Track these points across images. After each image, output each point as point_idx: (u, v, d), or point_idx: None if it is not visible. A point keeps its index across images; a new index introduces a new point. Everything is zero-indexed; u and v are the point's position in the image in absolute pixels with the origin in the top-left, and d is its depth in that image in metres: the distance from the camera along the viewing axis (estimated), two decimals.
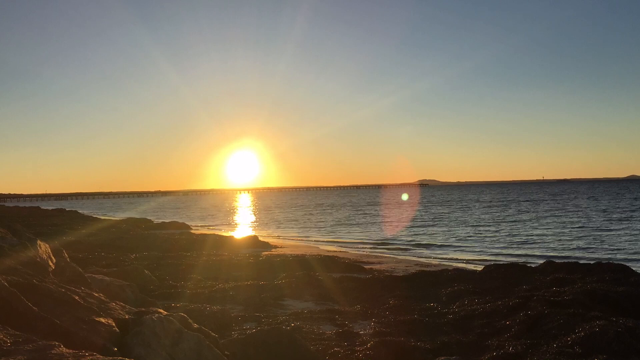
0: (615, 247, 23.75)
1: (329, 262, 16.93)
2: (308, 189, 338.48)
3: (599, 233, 29.54)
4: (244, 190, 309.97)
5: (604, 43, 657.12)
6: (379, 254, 22.90)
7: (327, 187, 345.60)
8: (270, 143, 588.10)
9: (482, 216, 47.56)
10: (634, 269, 13.70)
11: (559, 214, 45.77)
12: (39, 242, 7.35)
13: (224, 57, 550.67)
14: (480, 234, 32.09)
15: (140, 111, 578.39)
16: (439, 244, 27.38)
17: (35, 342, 3.92)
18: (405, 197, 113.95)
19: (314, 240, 30.98)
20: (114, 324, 5.15)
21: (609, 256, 20.63)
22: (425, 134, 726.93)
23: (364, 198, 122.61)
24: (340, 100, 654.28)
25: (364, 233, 34.93)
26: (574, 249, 23.94)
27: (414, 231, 34.62)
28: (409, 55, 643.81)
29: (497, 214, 49.17)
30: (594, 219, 38.71)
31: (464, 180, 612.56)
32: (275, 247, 24.48)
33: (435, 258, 21.77)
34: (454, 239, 29.64)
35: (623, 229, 31.76)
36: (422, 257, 21.88)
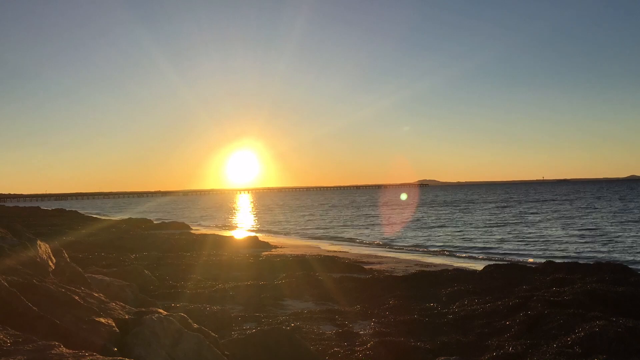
0: (619, 247, 23.75)
1: (329, 262, 16.93)
2: (308, 189, 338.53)
3: (610, 235, 29.46)
4: (244, 190, 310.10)
5: (604, 43, 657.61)
6: (379, 254, 22.89)
7: (327, 187, 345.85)
8: (270, 143, 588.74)
9: (484, 217, 47.54)
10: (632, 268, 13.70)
11: (569, 215, 45.68)
12: (39, 242, 7.34)
13: (224, 57, 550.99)
14: (481, 234, 32.08)
15: (140, 111, 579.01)
16: (439, 244, 27.38)
17: (35, 342, 3.92)
18: (404, 197, 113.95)
19: (314, 240, 30.99)
20: (114, 324, 5.14)
21: (609, 256, 20.64)
22: (425, 134, 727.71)
23: (363, 198, 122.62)
24: (340, 100, 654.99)
25: (363, 233, 34.93)
26: (574, 249, 23.94)
27: (414, 231, 34.62)
28: (409, 55, 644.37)
29: (501, 215, 49.11)
30: (605, 221, 38.31)
31: (464, 180, 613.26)
32: (275, 247, 24.48)
33: (435, 258, 21.77)
34: (454, 239, 29.64)
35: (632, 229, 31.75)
36: (422, 257, 21.88)
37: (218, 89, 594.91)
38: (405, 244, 27.39)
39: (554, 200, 76.21)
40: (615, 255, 21.33)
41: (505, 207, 62.41)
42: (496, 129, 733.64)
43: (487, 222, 40.64)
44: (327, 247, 26.59)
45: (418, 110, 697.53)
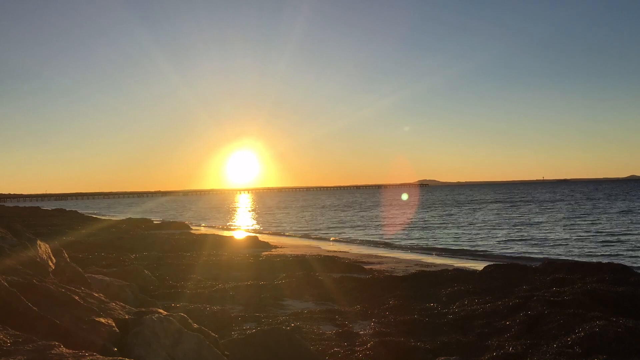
0: (619, 247, 23.75)
1: (329, 262, 16.93)
2: (308, 189, 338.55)
3: (610, 234, 29.42)
4: (244, 190, 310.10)
5: (604, 43, 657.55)
6: (379, 254, 22.89)
7: (327, 187, 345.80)
8: (270, 143, 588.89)
9: (485, 217, 47.54)
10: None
11: (572, 216, 45.64)
12: (39, 242, 7.34)
13: (224, 57, 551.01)
14: (482, 234, 32.07)
15: (140, 111, 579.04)
16: (440, 244, 27.38)
17: (35, 342, 3.92)
18: (405, 197, 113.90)
19: (314, 240, 30.99)
20: (114, 324, 5.15)
21: (609, 256, 20.64)
22: (425, 134, 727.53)
23: (364, 198, 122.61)
24: (340, 100, 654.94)
25: (364, 233, 34.93)
26: (575, 249, 23.94)
27: (414, 231, 34.62)
28: (409, 55, 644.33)
29: (504, 215, 49.11)
30: (608, 221, 38.08)
31: (464, 180, 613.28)
32: (275, 247, 24.49)
33: (436, 258, 21.77)
34: (454, 239, 29.64)
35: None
36: (422, 257, 21.88)
37: (218, 89, 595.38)
38: (406, 244, 27.39)
39: (561, 200, 75.23)
40: (615, 255, 21.31)
41: (508, 207, 62.29)
42: (496, 129, 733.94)
43: (488, 222, 40.63)
44: (327, 247, 26.60)
45: (418, 110, 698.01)
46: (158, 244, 22.29)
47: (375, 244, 27.93)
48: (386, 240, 29.53)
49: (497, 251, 23.88)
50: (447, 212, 56.44)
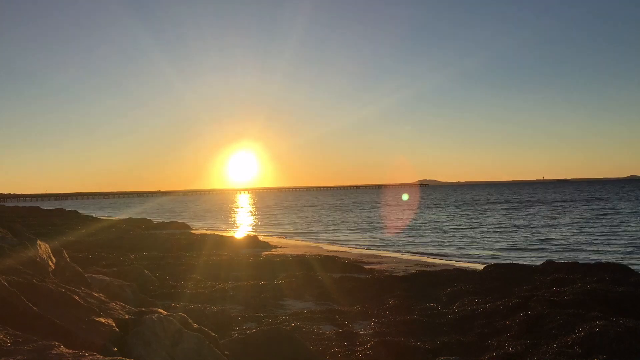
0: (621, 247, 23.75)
1: (329, 262, 16.93)
2: (308, 189, 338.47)
3: (612, 235, 29.33)
4: (244, 190, 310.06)
5: (605, 43, 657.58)
6: (379, 254, 22.89)
7: (327, 187, 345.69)
8: (270, 143, 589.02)
9: (486, 217, 47.51)
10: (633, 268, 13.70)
11: (573, 216, 45.53)
12: (39, 242, 7.34)
13: (223, 57, 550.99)
14: (482, 235, 32.07)
15: (140, 111, 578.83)
16: (440, 244, 27.38)
17: (35, 342, 3.92)
18: (405, 197, 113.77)
19: (314, 240, 30.99)
20: (114, 324, 5.14)
21: (609, 256, 20.62)
22: (426, 134, 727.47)
23: (364, 198, 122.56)
24: (340, 100, 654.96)
25: (364, 233, 34.94)
26: (575, 249, 23.93)
27: (414, 232, 34.62)
28: (409, 55, 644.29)
29: (505, 216, 49.07)
30: (610, 222, 37.61)
31: (464, 180, 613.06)
32: (275, 247, 24.49)
33: (436, 258, 21.77)
34: (454, 239, 29.63)
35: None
36: (422, 257, 21.88)
37: (218, 89, 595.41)
38: (406, 244, 27.38)
39: (571, 200, 74.13)
40: (615, 255, 21.30)
41: (519, 207, 62.11)
42: (496, 129, 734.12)
43: (489, 222, 40.64)
44: (327, 247, 26.60)
45: (418, 110, 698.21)
46: (158, 244, 22.29)
47: (375, 244, 27.92)
48: (386, 241, 29.52)
49: (497, 251, 23.86)
50: (447, 212, 56.38)
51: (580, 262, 15.20)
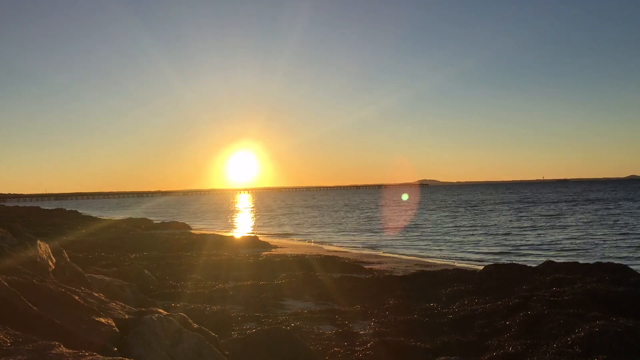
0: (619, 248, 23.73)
1: (329, 262, 16.93)
2: (308, 189, 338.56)
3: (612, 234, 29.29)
4: (244, 190, 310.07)
5: (604, 43, 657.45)
6: (379, 254, 22.90)
7: (327, 187, 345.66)
8: (270, 143, 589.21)
9: (488, 219, 47.50)
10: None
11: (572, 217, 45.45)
12: (39, 242, 7.34)
13: (223, 57, 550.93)
14: (482, 235, 32.06)
15: (140, 111, 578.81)
16: (440, 244, 27.37)
17: (35, 342, 3.92)
18: (405, 197, 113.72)
19: (314, 240, 30.99)
20: (114, 324, 5.14)
21: (609, 256, 20.61)
22: (426, 134, 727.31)
23: (364, 198, 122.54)
24: (340, 99, 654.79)
25: (364, 233, 34.93)
26: (574, 249, 23.92)
27: (414, 232, 34.62)
28: (409, 55, 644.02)
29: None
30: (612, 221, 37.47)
31: (464, 180, 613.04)
32: (275, 247, 24.48)
33: (436, 258, 21.77)
34: (454, 239, 29.64)
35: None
36: (422, 257, 21.88)
37: (218, 89, 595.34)
38: (406, 244, 27.38)
39: (567, 201, 72.62)
40: (615, 255, 21.29)
41: (525, 207, 62.08)
42: (496, 129, 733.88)
43: (489, 222, 40.64)
44: (327, 247, 26.60)
45: (418, 110, 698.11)
46: (158, 244, 22.29)
47: (375, 245, 27.91)
48: (386, 241, 29.52)
49: (497, 251, 23.85)
50: (447, 213, 56.37)
51: (580, 262, 15.21)
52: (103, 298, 6.18)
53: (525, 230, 32.77)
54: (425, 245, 27.00)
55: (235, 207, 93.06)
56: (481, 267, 15.21)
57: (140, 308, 6.58)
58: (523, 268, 14.36)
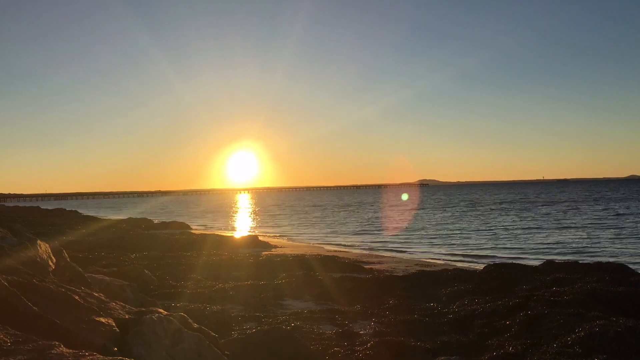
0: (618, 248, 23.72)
1: (329, 262, 16.93)
2: (308, 188, 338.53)
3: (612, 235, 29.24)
4: (244, 190, 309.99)
5: (604, 43, 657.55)
6: (379, 254, 22.90)
7: (327, 187, 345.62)
8: (270, 143, 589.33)
9: (488, 219, 47.49)
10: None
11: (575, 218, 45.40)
12: (39, 242, 7.34)
13: (223, 57, 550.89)
14: (482, 235, 32.05)
15: (140, 111, 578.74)
16: (440, 244, 27.37)
17: (35, 342, 3.92)
18: (405, 197, 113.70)
19: (314, 240, 30.99)
20: (114, 324, 5.14)
21: (609, 256, 20.60)
22: (425, 134, 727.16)
23: (364, 198, 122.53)
24: (340, 99, 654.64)
25: (364, 233, 34.92)
26: (574, 249, 23.91)
27: (414, 231, 34.61)
28: (409, 55, 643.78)
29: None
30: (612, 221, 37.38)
31: (464, 180, 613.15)
32: (275, 247, 24.49)
33: (436, 258, 21.76)
34: (453, 239, 29.64)
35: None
36: (422, 257, 21.88)
37: (218, 89, 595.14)
38: (406, 244, 27.38)
39: (572, 201, 71.29)
40: (615, 255, 21.28)
41: (509, 208, 62.14)
42: (496, 129, 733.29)
43: (489, 222, 40.64)
44: (327, 247, 26.60)
45: (418, 110, 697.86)
46: (158, 243, 22.29)
47: (375, 244, 27.91)
48: (386, 241, 29.51)
49: (497, 251, 23.84)
50: (447, 213, 56.34)
51: (580, 262, 15.21)
52: (103, 298, 6.18)
53: (525, 230, 32.77)
54: (426, 245, 27.00)
55: (235, 207, 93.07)
56: (481, 267, 15.21)
57: (140, 308, 6.58)
58: (523, 268, 14.36)
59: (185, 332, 5.32)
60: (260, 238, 26.60)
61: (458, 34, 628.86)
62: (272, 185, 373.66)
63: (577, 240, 26.91)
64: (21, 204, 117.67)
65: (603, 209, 50.22)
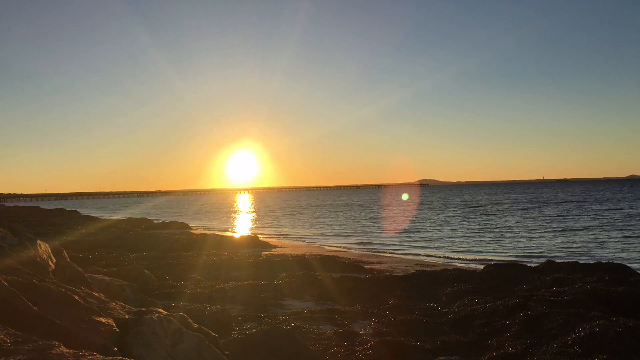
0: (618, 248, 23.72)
1: (329, 262, 16.93)
2: (308, 188, 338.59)
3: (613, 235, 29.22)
4: (244, 190, 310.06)
5: (604, 43, 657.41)
6: (379, 254, 22.90)
7: (327, 187, 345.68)
8: (269, 143, 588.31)
9: (488, 219, 47.50)
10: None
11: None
12: (39, 242, 7.34)
13: (223, 57, 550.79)
14: (482, 235, 32.05)
15: (140, 111, 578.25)
16: (440, 244, 27.37)
17: (35, 342, 3.92)
18: (405, 197, 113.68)
19: (314, 240, 30.99)
20: (114, 324, 5.14)
21: (609, 256, 20.60)
22: (425, 134, 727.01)
23: (364, 198, 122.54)
24: (340, 99, 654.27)
25: (363, 233, 34.93)
26: (575, 249, 23.91)
27: (414, 231, 34.62)
28: (409, 55, 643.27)
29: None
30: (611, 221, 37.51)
31: (464, 180, 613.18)
32: (275, 247, 24.49)
33: (436, 258, 21.77)
34: (453, 239, 29.64)
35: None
36: (422, 257, 21.89)
37: (218, 89, 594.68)
38: (406, 244, 27.38)
39: (572, 201, 69.71)
40: (615, 255, 21.28)
41: (509, 208, 62.16)
42: (496, 129, 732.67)
43: (488, 222, 40.64)
44: (327, 247, 26.61)
45: (418, 110, 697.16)
46: (158, 243, 22.29)
47: (375, 244, 27.91)
48: (387, 241, 29.51)
49: (497, 251, 23.84)
50: (446, 212, 56.33)
51: (581, 262, 15.21)
52: (103, 298, 6.18)
53: (525, 231, 32.77)
54: (426, 245, 27.00)
55: (235, 207, 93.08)
56: (481, 267, 15.21)
57: (140, 308, 6.58)
58: (523, 268, 14.37)
59: (185, 332, 5.32)
60: (260, 238, 26.61)
61: (458, 34, 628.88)
62: (272, 185, 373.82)
63: (577, 240, 26.93)
64: (21, 204, 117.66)
65: (607, 209, 50.15)
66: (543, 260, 17.18)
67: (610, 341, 7.00)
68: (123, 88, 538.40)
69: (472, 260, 21.08)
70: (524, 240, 27.71)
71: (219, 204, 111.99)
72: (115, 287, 8.52)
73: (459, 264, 19.04)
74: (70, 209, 69.40)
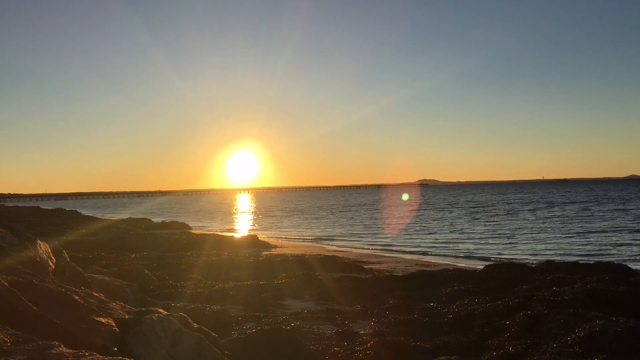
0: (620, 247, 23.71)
1: (329, 262, 16.93)
2: (308, 188, 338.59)
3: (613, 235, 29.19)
4: (244, 190, 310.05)
5: (604, 43, 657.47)
6: (379, 254, 22.90)
7: (327, 187, 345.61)
8: (269, 143, 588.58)
9: (487, 219, 47.49)
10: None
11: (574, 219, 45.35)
12: (39, 242, 7.34)
13: (223, 57, 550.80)
14: (481, 235, 32.05)
15: (140, 111, 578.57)
16: (439, 244, 27.36)
17: (35, 342, 3.92)
18: (405, 197, 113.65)
19: (314, 240, 30.99)
20: (114, 324, 5.14)
21: (609, 256, 20.59)
22: (425, 134, 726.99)
23: (364, 198, 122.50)
24: (340, 99, 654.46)
25: (364, 233, 34.92)
26: (575, 248, 23.91)
27: (414, 232, 34.61)
28: (409, 55, 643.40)
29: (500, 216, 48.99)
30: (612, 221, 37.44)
31: (464, 180, 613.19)
32: (275, 247, 24.49)
33: (436, 258, 21.76)
34: (454, 239, 29.62)
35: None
36: (422, 257, 21.88)
37: (218, 89, 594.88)
38: (406, 244, 27.37)
39: (594, 200, 68.66)
40: (615, 255, 21.27)
41: (508, 208, 62.16)
42: (496, 129, 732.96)
43: (488, 222, 40.63)
44: (327, 247, 26.61)
45: (418, 109, 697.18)
46: (158, 243, 22.29)
47: (375, 244, 27.91)
48: (386, 241, 29.51)
49: (497, 251, 23.84)
50: (446, 212, 56.32)
51: (580, 262, 15.21)
52: (103, 298, 6.18)
53: (525, 231, 32.76)
54: (426, 245, 26.99)
55: (235, 207, 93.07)
56: (481, 267, 15.20)
57: (140, 308, 6.58)
58: (523, 268, 14.37)
59: (185, 332, 5.32)
60: (260, 238, 26.60)
61: (458, 34, 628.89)
62: (272, 185, 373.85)
63: (578, 240, 26.92)
64: (21, 204, 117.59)
65: (608, 210, 50.07)
66: (543, 259, 17.18)
67: (610, 341, 7.00)
68: (123, 88, 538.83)
69: (472, 260, 21.07)
70: (524, 239, 27.70)
71: (219, 204, 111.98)
72: (115, 287, 8.52)
73: (459, 264, 19.03)
74: (70, 209, 69.40)
